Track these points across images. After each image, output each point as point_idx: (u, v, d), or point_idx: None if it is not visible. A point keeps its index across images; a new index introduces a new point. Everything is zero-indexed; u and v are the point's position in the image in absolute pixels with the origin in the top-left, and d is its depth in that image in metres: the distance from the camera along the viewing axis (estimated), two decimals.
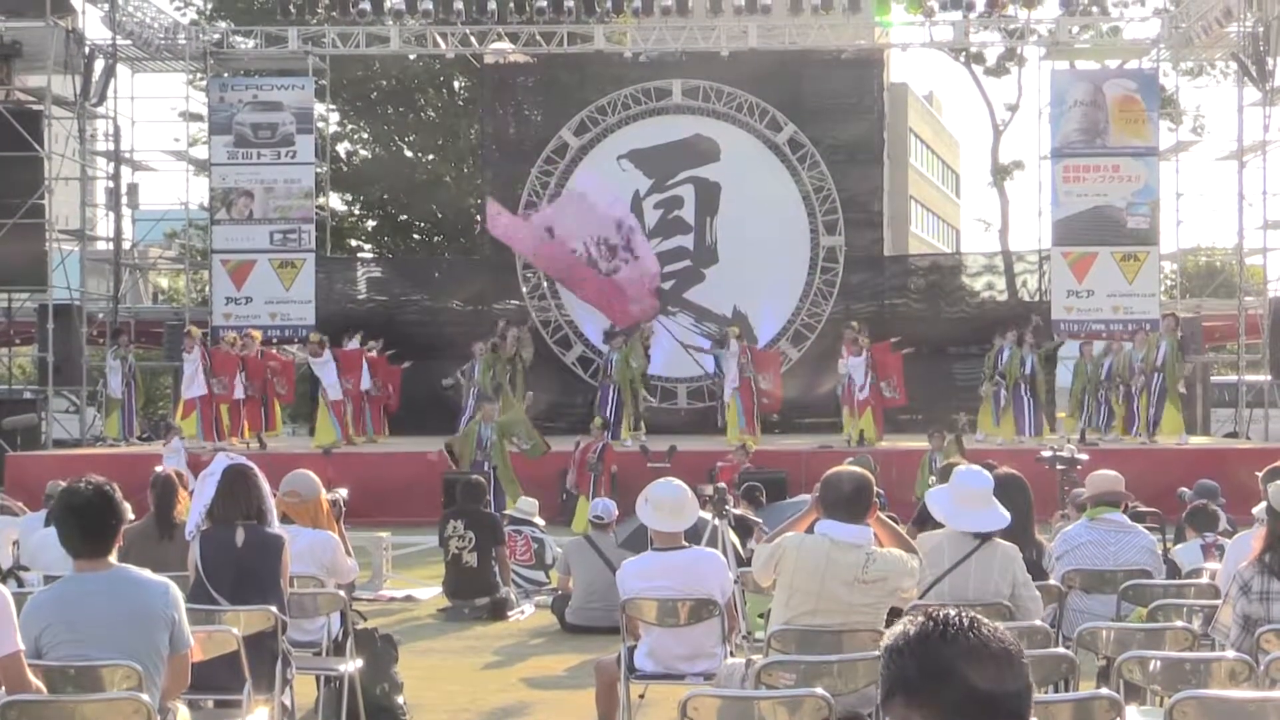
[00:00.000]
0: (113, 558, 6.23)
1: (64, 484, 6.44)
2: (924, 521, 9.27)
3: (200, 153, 31.18)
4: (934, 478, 19.27)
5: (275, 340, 28.51)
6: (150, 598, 6.15)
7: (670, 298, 29.12)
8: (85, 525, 6.17)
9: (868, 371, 24.47)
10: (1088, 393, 25.22)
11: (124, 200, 31.49)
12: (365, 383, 25.69)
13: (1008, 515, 8.06)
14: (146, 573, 6.27)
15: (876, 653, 6.97)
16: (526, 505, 17.00)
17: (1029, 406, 24.86)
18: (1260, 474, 8.34)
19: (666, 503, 8.36)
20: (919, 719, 2.77)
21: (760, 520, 13.56)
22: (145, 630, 6.12)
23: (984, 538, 8.04)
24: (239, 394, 24.54)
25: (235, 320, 28.45)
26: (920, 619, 2.85)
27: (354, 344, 26.11)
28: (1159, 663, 6.78)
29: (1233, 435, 27.72)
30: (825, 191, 28.98)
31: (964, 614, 2.85)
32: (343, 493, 10.15)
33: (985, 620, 2.86)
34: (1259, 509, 7.83)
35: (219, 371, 24.42)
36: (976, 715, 2.75)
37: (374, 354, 26.31)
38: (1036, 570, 8.88)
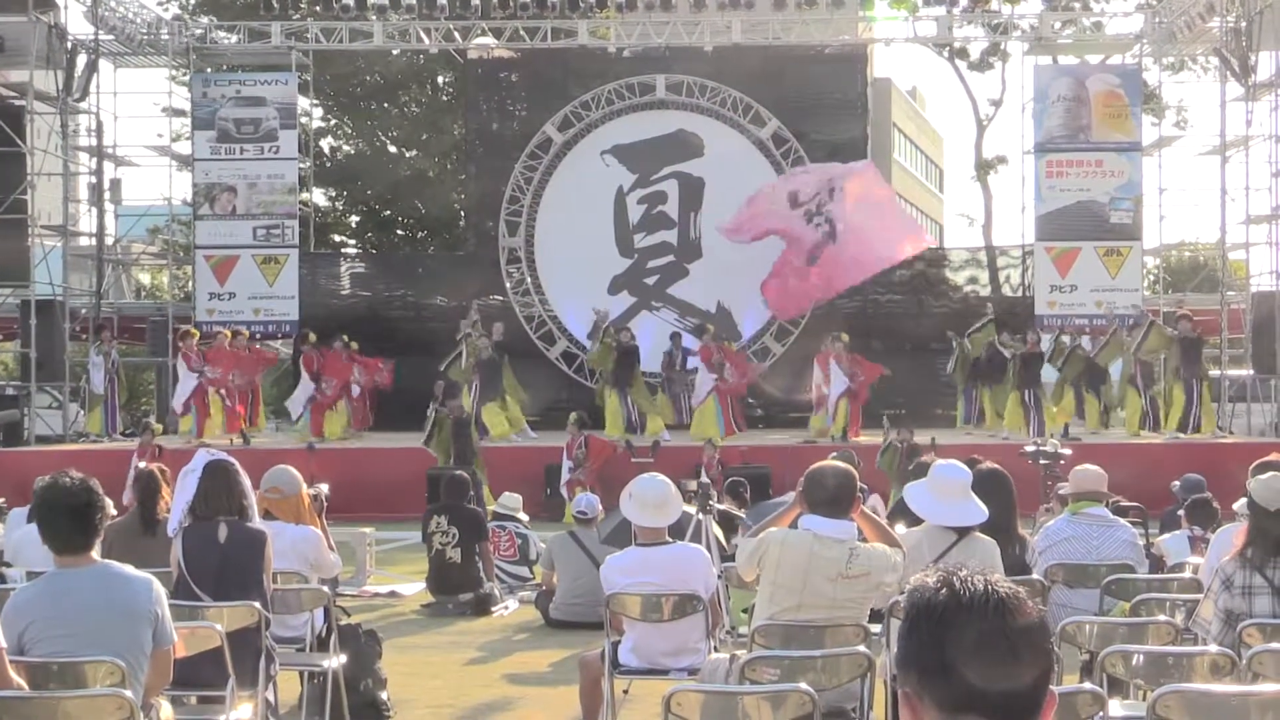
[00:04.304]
0: (95, 553, 6.21)
1: (49, 482, 6.39)
2: (900, 515, 9.31)
3: (183, 148, 31.11)
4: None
5: (259, 336, 28.48)
6: (133, 593, 6.13)
7: (654, 293, 29.11)
8: (68, 520, 6.14)
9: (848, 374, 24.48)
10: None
11: (107, 195, 31.45)
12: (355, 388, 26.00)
13: (985, 510, 8.10)
14: (129, 568, 6.25)
15: (861, 647, 7.02)
16: (510, 501, 16.99)
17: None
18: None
19: (650, 498, 8.36)
20: (929, 698, 2.68)
21: (744, 516, 13.58)
22: (128, 626, 6.10)
23: (962, 532, 8.08)
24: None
25: (219, 316, 28.44)
26: (944, 593, 2.67)
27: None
28: (1142, 657, 6.80)
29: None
30: None
31: (992, 592, 2.66)
32: (324, 488, 10.12)
33: (1014, 598, 2.66)
34: (1239, 504, 7.84)
35: (213, 363, 24.52)
36: (989, 710, 2.66)
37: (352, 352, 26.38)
38: (1019, 565, 8.90)
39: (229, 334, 25.59)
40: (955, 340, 25.91)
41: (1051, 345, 26.31)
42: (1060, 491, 12.13)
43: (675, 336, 27.22)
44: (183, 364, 24.71)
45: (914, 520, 8.57)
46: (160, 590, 6.25)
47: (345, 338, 26.25)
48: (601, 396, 25.22)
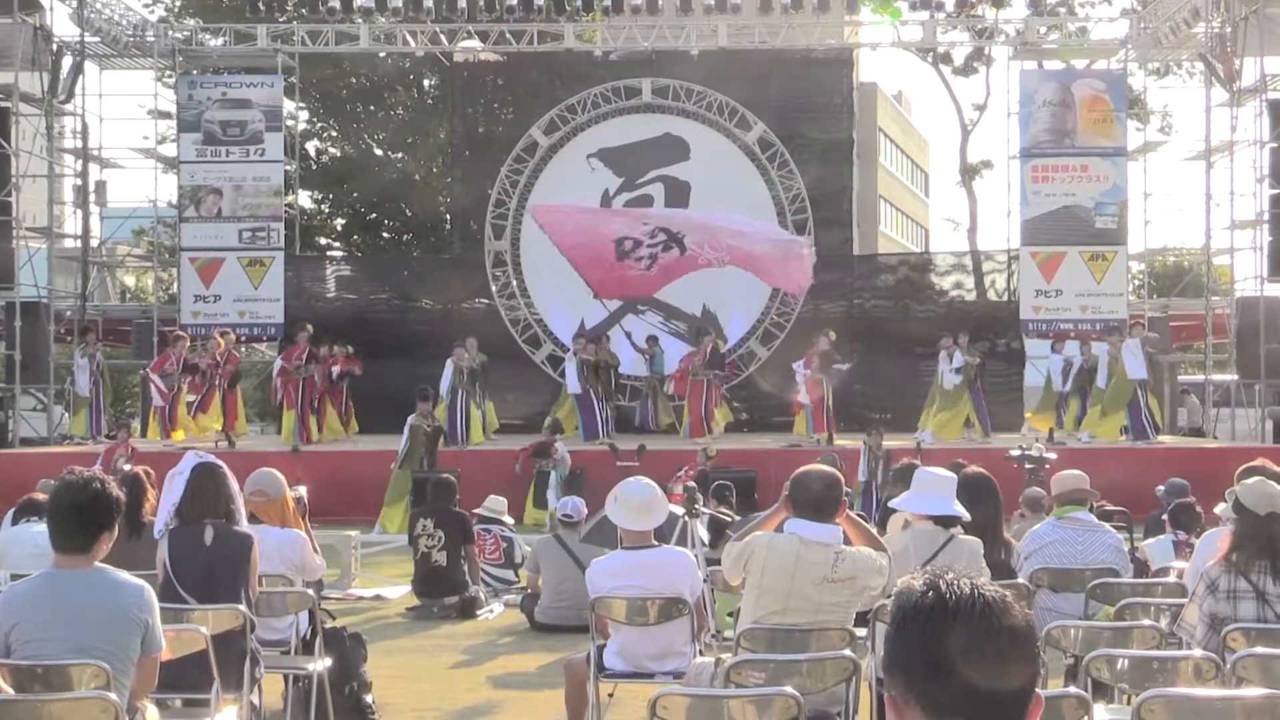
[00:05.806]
0: (96, 558, 6.18)
1: (61, 478, 6.37)
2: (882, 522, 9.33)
3: (169, 150, 31.04)
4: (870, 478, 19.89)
5: (244, 339, 28.46)
6: (124, 600, 6.11)
7: (640, 296, 29.10)
8: (81, 521, 6.12)
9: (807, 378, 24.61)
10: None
11: (92, 198, 31.37)
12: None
13: (965, 513, 8.14)
14: (123, 574, 6.21)
15: (846, 651, 7.02)
16: (495, 504, 16.98)
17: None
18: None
19: (636, 501, 8.36)
20: (915, 702, 2.68)
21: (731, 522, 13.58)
22: (117, 632, 6.08)
23: (948, 536, 8.09)
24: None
25: (204, 319, 28.38)
26: (931, 596, 2.68)
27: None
28: (1126, 661, 6.82)
29: (1198, 434, 27.84)
30: (795, 191, 28.99)
31: (979, 595, 2.67)
32: (302, 490, 10.10)
33: (998, 601, 2.68)
34: (1221, 509, 7.85)
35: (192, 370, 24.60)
36: (975, 713, 2.65)
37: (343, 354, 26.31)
38: (1004, 569, 8.91)
39: (220, 338, 25.57)
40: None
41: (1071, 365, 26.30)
42: (1034, 499, 12.18)
43: (652, 340, 27.40)
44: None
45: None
46: (151, 598, 6.23)
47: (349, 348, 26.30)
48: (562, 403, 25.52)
